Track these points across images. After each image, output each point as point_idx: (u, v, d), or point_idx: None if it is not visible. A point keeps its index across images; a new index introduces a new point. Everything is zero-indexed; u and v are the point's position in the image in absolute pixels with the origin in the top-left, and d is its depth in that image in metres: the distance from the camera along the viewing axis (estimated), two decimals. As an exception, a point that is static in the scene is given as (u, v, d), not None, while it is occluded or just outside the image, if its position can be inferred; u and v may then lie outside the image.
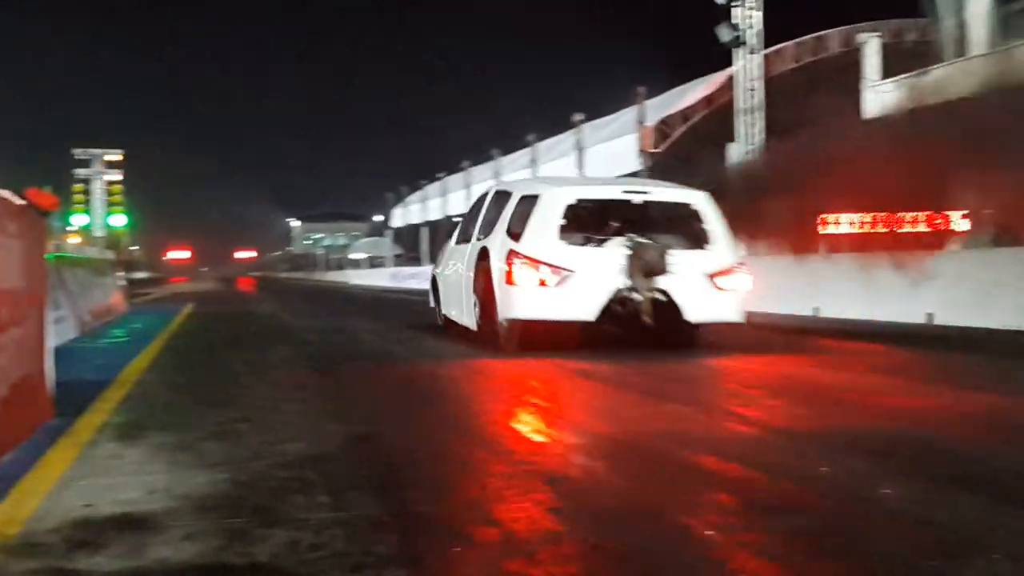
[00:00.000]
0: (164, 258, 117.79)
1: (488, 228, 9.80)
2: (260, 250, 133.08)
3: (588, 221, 9.07)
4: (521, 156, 34.84)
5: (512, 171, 34.64)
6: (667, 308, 8.61)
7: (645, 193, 9.21)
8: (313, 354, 8.61)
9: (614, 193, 9.30)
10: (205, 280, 72.67)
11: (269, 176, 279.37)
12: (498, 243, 9.20)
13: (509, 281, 8.72)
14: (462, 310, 10.17)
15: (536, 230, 8.83)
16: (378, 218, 71.71)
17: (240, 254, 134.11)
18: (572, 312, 8.59)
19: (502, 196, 10.03)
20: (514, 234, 9.04)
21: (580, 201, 9.00)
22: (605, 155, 28.86)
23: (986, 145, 12.12)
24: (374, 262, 57.40)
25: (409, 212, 50.45)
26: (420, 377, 6.77)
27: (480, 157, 39.22)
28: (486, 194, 10.89)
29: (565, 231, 8.80)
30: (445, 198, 39.76)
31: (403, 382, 6.50)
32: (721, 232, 9.00)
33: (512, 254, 8.76)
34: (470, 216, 10.96)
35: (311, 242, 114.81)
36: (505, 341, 8.85)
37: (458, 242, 11.00)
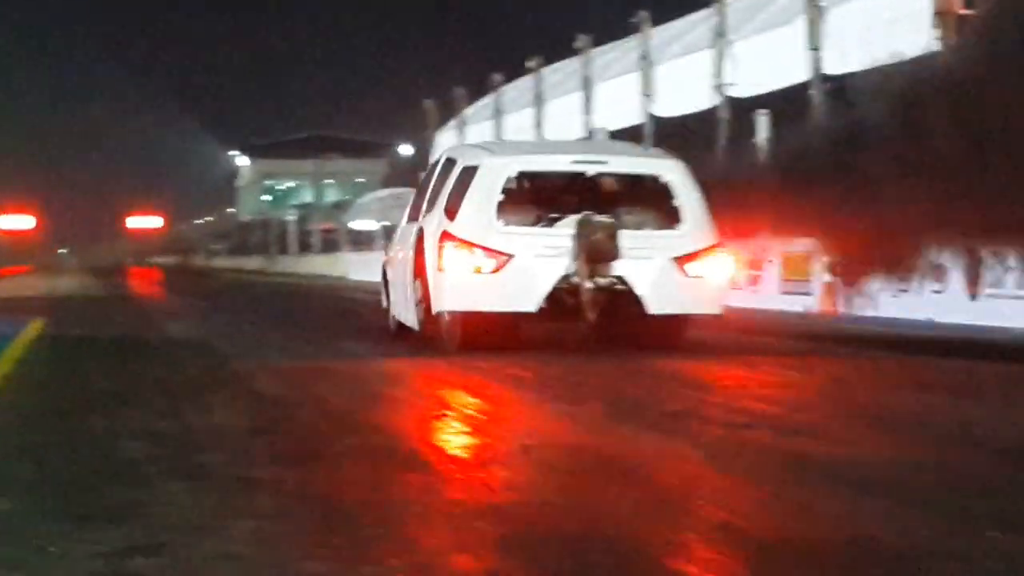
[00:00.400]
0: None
1: (432, 205, 14.34)
2: (174, 215, 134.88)
3: (542, 196, 13.61)
4: (693, 24, 34.66)
5: (670, 57, 34.56)
6: (625, 299, 12.79)
7: (602, 164, 13.85)
8: (276, 422, 8.87)
9: (564, 164, 13.98)
10: (66, 271, 74.23)
11: (193, 77, 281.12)
12: (435, 223, 13.67)
13: (440, 267, 13.04)
14: (407, 306, 14.46)
15: (472, 208, 13.18)
16: (406, 149, 72.35)
17: (135, 222, 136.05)
18: (510, 303, 12.89)
19: (449, 165, 14.57)
20: (450, 212, 13.43)
21: (523, 173, 13.57)
22: (860, 22, 28.76)
23: None
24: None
25: (469, 138, 50.92)
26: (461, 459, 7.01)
27: (612, 30, 39.26)
28: (437, 161, 15.64)
29: (512, 208, 13.22)
30: (539, 109, 40.04)
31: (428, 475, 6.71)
32: (695, 209, 13.23)
33: (444, 236, 13.07)
34: (421, 188, 15.71)
35: (272, 198, 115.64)
36: (448, 339, 13.09)
37: (408, 221, 15.75)
